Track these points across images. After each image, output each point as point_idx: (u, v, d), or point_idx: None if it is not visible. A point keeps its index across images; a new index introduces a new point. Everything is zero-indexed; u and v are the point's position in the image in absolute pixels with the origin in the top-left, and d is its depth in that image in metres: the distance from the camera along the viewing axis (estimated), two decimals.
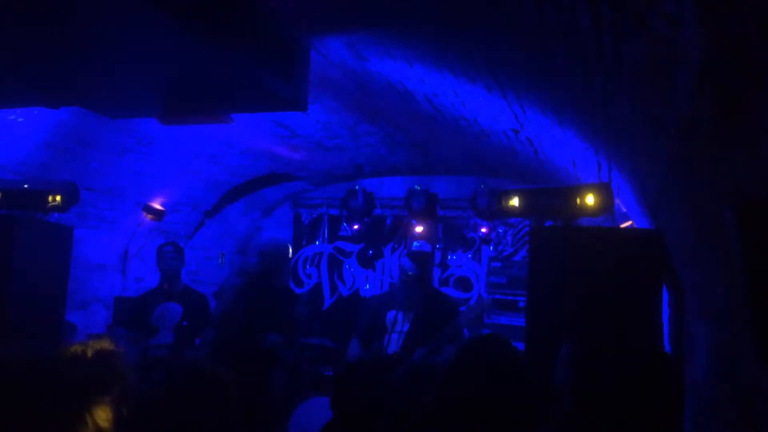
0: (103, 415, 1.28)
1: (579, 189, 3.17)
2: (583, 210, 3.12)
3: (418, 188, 6.03)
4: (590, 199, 3.10)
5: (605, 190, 3.12)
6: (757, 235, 1.32)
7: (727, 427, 2.08)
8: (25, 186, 3.88)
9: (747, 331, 1.64)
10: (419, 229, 6.23)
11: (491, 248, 6.40)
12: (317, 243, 7.06)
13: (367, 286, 6.88)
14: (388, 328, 4.27)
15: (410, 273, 4.35)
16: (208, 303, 4.83)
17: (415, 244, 4.84)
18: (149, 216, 5.59)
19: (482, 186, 5.60)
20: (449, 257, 6.55)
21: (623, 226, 4.26)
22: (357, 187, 6.28)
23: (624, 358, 2.31)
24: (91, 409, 1.26)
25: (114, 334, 4.84)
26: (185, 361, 2.04)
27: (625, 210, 4.04)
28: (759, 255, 1.34)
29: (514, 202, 3.32)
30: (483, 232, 6.24)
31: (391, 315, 4.32)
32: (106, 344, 1.36)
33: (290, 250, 4.34)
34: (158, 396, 1.81)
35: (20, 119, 3.92)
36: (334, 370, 5.11)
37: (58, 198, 3.82)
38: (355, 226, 6.52)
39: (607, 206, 3.11)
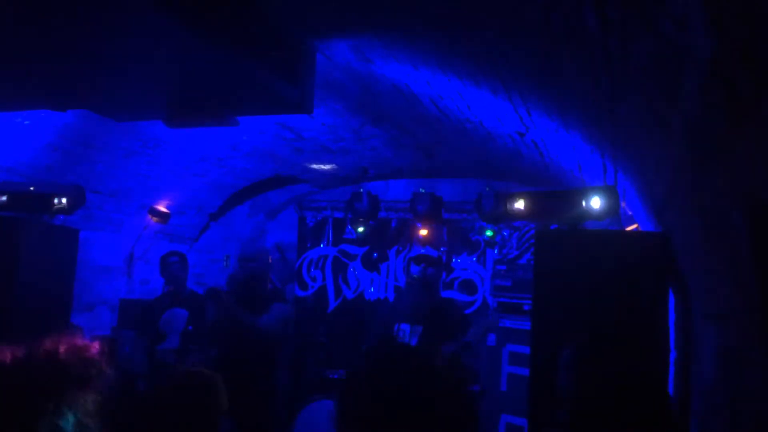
0: (83, 409, 1.29)
1: (584, 192, 3.16)
2: (589, 213, 3.11)
3: (423, 191, 6.02)
4: (596, 202, 3.09)
5: (611, 193, 3.11)
6: (766, 236, 1.31)
7: (735, 431, 2.07)
8: (31, 188, 3.89)
9: (755, 333, 1.63)
10: (424, 232, 6.22)
11: (496, 251, 6.38)
12: (322, 246, 7.06)
13: (372, 289, 6.87)
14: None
15: (416, 278, 4.34)
16: None
17: (421, 249, 4.84)
18: (154, 218, 5.61)
19: (487, 189, 5.57)
20: (454, 260, 6.54)
21: (629, 229, 4.25)
22: (362, 189, 6.27)
23: (627, 370, 2.30)
24: (71, 404, 1.26)
25: (120, 337, 4.86)
26: (181, 367, 2.13)
27: (630, 213, 4.02)
28: None
29: (520, 204, 3.31)
30: (488, 235, 6.23)
31: (395, 327, 4.31)
32: (77, 339, 1.36)
33: (269, 257, 4.34)
34: (157, 396, 1.91)
35: (26, 122, 3.94)
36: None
37: (63, 200, 3.83)
38: (360, 229, 6.52)
39: (612, 209, 3.10)
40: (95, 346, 1.39)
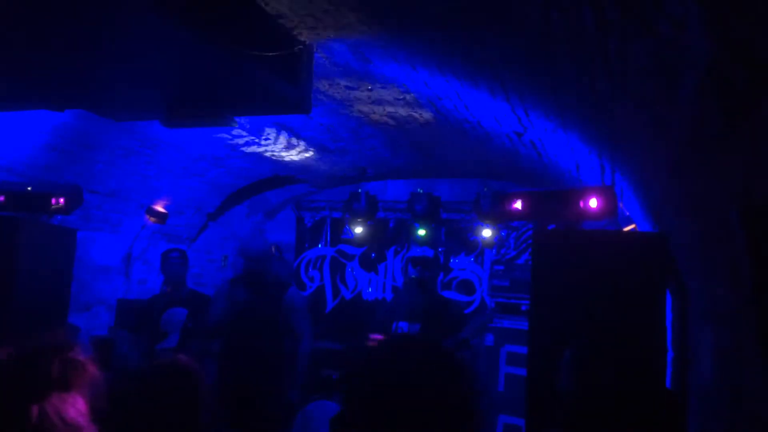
0: (71, 411, 1.28)
1: (582, 192, 3.16)
2: (587, 213, 3.12)
3: (421, 191, 6.03)
4: (593, 203, 3.09)
5: (608, 194, 3.11)
6: (763, 237, 1.32)
7: (732, 430, 2.07)
8: (29, 188, 3.89)
9: (752, 333, 1.63)
10: (422, 232, 6.23)
11: (494, 251, 6.39)
12: (320, 246, 7.06)
13: (370, 290, 6.87)
14: None
15: (413, 278, 4.35)
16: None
17: (418, 249, 4.84)
18: (152, 219, 5.60)
19: (485, 189, 5.59)
20: (452, 260, 6.55)
21: (626, 229, 4.26)
22: (360, 189, 6.28)
23: (625, 366, 2.31)
24: (55, 405, 1.26)
25: (117, 337, 4.85)
26: (159, 359, 2.10)
27: (628, 213, 4.03)
28: (765, 258, 1.34)
29: (518, 205, 3.32)
30: (486, 235, 6.23)
31: (394, 325, 4.32)
32: (60, 342, 1.36)
33: (273, 249, 4.42)
34: (132, 387, 1.90)
35: (25, 122, 3.94)
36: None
37: (61, 200, 3.83)
38: (358, 229, 6.53)
39: (610, 210, 3.10)
40: (79, 348, 1.39)
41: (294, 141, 4.92)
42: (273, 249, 4.76)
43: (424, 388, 1.29)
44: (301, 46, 2.87)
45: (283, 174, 5.97)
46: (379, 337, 2.62)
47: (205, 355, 4.13)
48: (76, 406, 1.29)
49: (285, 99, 2.90)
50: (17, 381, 1.27)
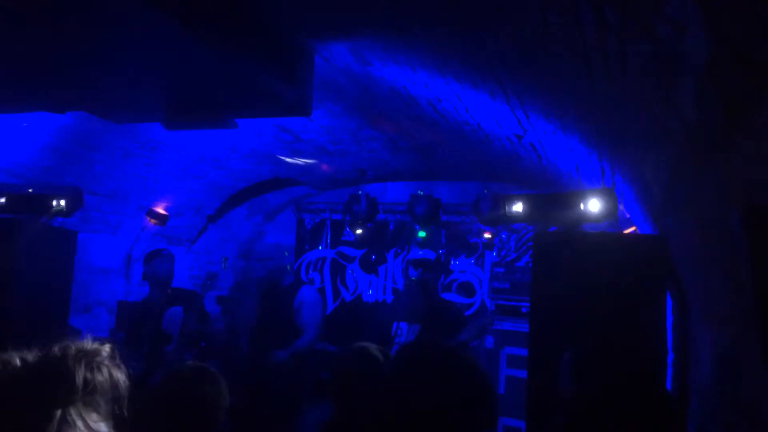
0: (95, 416, 1.27)
1: (582, 194, 3.16)
2: (587, 215, 3.12)
3: (421, 193, 6.03)
4: (594, 205, 3.10)
5: (609, 196, 3.11)
6: (763, 237, 1.32)
7: None
8: (30, 190, 3.90)
9: (753, 335, 1.63)
10: (422, 234, 6.23)
11: (494, 253, 6.39)
12: (320, 248, 7.06)
13: (370, 292, 6.87)
14: (393, 339, 4.28)
15: (414, 280, 4.35)
16: (202, 298, 4.86)
17: (419, 251, 4.85)
18: (152, 220, 5.60)
19: (486, 191, 5.59)
20: (452, 262, 6.55)
21: (627, 231, 4.25)
22: (360, 192, 6.28)
23: (626, 373, 2.30)
24: (80, 411, 1.25)
25: (117, 339, 4.85)
26: (183, 363, 2.14)
27: (628, 216, 4.03)
28: (765, 258, 1.33)
29: (518, 207, 3.32)
30: (486, 238, 6.23)
31: (394, 326, 4.33)
32: (86, 344, 1.35)
33: (284, 251, 4.49)
34: (158, 392, 1.92)
35: (25, 123, 3.94)
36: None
37: (62, 202, 3.83)
38: (358, 231, 6.52)
39: (610, 212, 3.10)
40: (104, 350, 1.38)
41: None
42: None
43: (440, 391, 1.29)
44: (301, 48, 2.87)
45: (283, 176, 5.97)
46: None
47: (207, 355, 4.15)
48: (99, 411, 1.28)
49: (285, 101, 2.90)
50: (42, 385, 1.27)
